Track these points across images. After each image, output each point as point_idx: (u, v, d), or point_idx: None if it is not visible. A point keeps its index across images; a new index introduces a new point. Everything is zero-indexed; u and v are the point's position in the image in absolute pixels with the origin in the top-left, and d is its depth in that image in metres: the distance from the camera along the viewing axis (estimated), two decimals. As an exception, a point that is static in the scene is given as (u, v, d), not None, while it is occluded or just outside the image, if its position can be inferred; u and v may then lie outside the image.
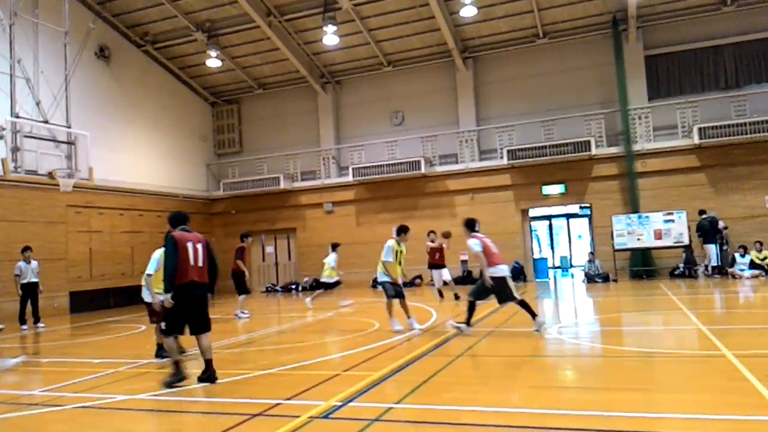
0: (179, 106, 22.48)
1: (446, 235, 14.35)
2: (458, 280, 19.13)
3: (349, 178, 20.81)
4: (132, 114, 19.93)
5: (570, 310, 12.10)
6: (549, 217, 25.35)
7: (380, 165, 20.31)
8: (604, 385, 5.59)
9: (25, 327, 13.04)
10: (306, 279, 21.40)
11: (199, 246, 6.32)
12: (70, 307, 16.42)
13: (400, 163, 20.06)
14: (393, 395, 5.26)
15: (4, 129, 12.81)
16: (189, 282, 6.12)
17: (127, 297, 14.63)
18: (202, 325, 6.29)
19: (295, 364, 7.10)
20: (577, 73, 19.58)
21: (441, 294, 14.11)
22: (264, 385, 6.28)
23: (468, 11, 17.83)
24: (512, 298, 8.35)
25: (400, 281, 9.69)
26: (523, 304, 8.42)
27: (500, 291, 8.24)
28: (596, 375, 6.16)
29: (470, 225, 8.82)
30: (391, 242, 9.70)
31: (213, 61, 20.74)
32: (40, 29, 14.96)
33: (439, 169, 20.37)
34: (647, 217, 17.25)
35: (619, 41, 18.79)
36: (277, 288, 21.81)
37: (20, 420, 5.34)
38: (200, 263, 6.26)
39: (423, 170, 19.74)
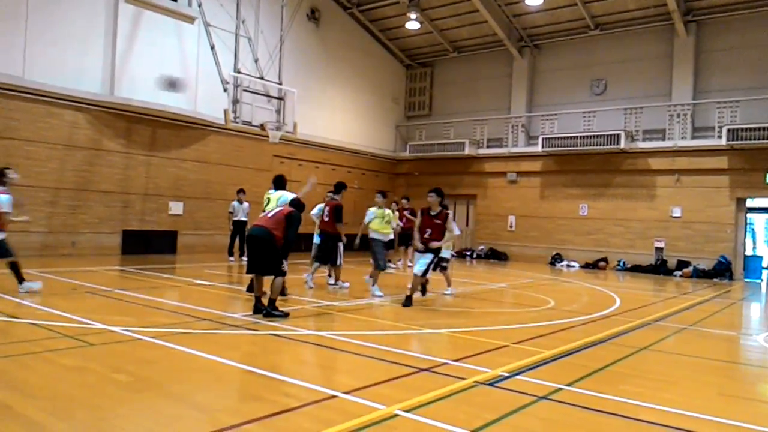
0: (376, 68, 23.43)
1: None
2: (649, 269, 17.57)
3: (538, 148, 19.94)
4: (333, 74, 21.29)
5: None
6: (772, 210, 21.66)
7: (574, 136, 19.09)
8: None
9: (231, 259, 14.95)
10: (481, 247, 21.31)
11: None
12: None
13: (597, 136, 18.62)
14: (564, 377, 5.01)
15: (228, 83, 14.62)
16: None
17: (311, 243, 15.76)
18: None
19: (464, 328, 7.16)
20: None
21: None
22: (433, 343, 6.44)
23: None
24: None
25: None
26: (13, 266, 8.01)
27: None
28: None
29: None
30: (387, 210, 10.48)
31: (412, 24, 21.13)
32: (262, -9, 16.51)
33: (642, 145, 18.51)
34: None
35: None
36: (452, 253, 22.01)
37: (222, 337, 6.19)
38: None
39: (622, 145, 18.11)
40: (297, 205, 7.68)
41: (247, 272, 7.44)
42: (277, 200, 8.63)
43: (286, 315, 7.24)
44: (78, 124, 14.31)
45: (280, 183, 9.17)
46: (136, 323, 6.48)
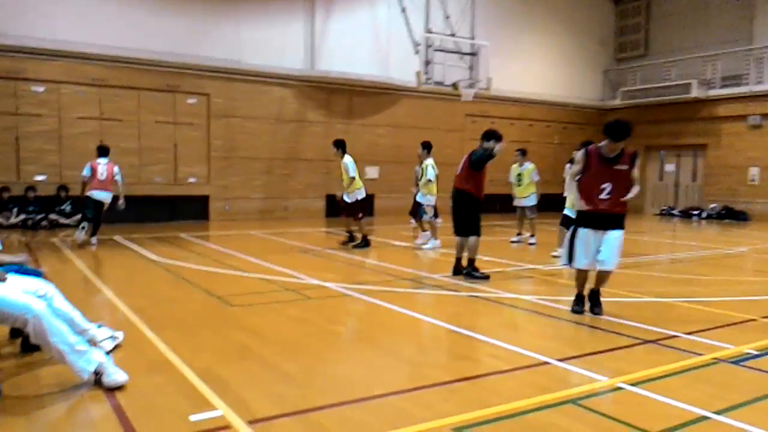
0: (578, 7, 21.83)
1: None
2: None
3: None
4: (529, 20, 20.37)
5: None
6: None
7: None
8: None
9: (412, 221, 15.29)
10: (713, 205, 19.00)
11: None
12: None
13: None
14: (839, 359, 4.28)
15: (419, 44, 14.93)
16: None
17: (508, 204, 15.39)
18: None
19: (696, 298, 6.53)
20: None
21: None
22: (657, 312, 5.96)
23: None
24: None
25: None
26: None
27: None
28: None
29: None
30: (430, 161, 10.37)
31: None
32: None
33: None
34: None
35: None
36: (674, 212, 20.08)
37: (425, 296, 6.50)
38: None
39: None
40: (491, 136, 7.46)
41: (455, 234, 7.63)
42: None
43: (486, 277, 7.33)
44: (285, 99, 15.95)
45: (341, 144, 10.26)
46: (345, 280, 7.12)
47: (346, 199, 10.06)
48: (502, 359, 4.24)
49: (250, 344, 4.51)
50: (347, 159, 10.02)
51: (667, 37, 21.30)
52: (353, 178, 9.94)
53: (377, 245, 10.54)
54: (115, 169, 10.06)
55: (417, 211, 10.57)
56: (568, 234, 5.63)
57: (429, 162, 10.33)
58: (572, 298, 5.75)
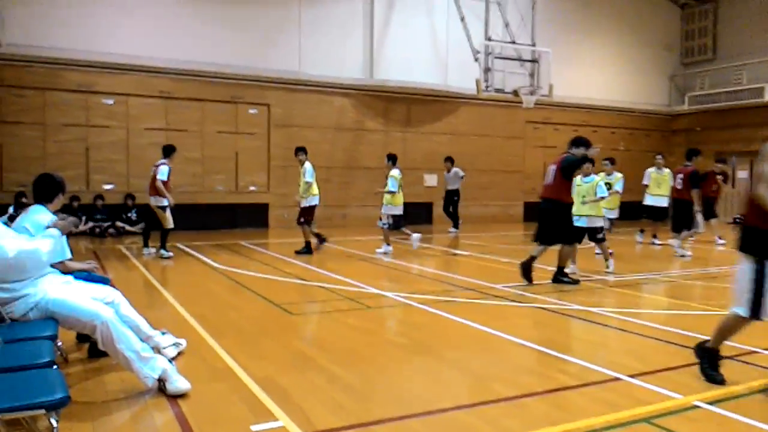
0: (642, 13, 21.09)
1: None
2: None
3: None
4: (591, 26, 19.80)
5: None
6: None
7: None
8: None
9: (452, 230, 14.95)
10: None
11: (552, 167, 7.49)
12: (524, 216, 18.27)
13: None
14: None
15: (479, 52, 14.77)
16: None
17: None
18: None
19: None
20: None
21: None
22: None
23: None
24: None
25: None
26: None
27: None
28: None
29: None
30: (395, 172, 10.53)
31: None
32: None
33: None
34: None
35: None
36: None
37: (488, 307, 6.31)
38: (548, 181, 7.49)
39: None
40: (580, 143, 7.63)
41: (534, 240, 7.61)
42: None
43: (575, 282, 7.41)
44: (344, 108, 16.06)
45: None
46: (404, 289, 7.01)
47: (302, 204, 10.13)
48: (571, 374, 4.05)
49: (310, 353, 4.48)
50: (307, 165, 10.21)
51: (736, 41, 20.27)
52: (309, 183, 10.03)
53: (437, 254, 10.38)
54: (158, 169, 9.39)
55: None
56: (750, 270, 3.69)
57: (393, 173, 10.60)
58: (641, 310, 5.45)
